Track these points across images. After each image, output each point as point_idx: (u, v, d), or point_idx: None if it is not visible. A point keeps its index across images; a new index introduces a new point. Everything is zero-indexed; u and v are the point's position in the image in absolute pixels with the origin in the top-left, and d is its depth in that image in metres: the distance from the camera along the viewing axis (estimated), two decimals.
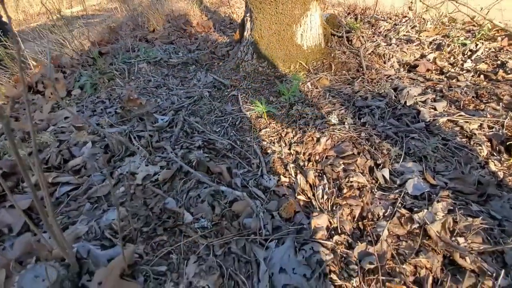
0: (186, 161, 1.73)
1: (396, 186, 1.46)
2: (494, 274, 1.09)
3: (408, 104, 2.00)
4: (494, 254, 1.16)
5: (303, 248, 1.20)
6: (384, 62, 2.72)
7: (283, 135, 1.91)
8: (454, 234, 1.21)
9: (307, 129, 1.88)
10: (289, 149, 1.81)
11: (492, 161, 1.53)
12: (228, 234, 1.33)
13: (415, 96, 2.04)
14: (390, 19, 3.54)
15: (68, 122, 2.25)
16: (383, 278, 1.10)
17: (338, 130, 1.84)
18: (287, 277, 1.12)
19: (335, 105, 2.09)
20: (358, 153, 1.65)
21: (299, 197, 1.49)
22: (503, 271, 1.03)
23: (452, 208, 1.30)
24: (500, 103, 1.87)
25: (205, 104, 2.41)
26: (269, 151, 1.84)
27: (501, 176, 1.46)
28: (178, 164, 1.67)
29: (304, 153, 1.76)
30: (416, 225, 1.24)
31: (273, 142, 1.90)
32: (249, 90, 2.53)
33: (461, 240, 1.19)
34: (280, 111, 2.18)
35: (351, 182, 1.48)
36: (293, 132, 1.91)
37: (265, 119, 2.09)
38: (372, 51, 2.83)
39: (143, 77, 2.86)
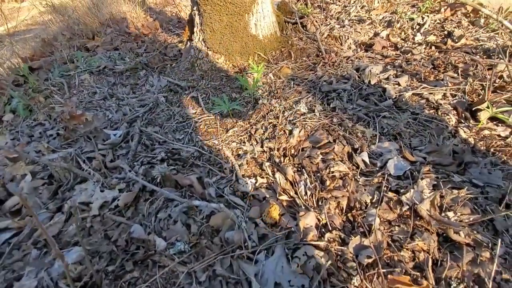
0: (149, 179, 1.52)
1: (377, 168, 1.41)
2: (489, 244, 1.07)
3: (372, 83, 1.97)
4: (484, 223, 1.14)
5: (296, 255, 1.08)
6: (341, 44, 2.70)
7: (252, 132, 1.78)
8: (444, 210, 1.18)
9: (277, 122, 1.76)
10: (262, 146, 1.68)
11: (461, 128, 1.55)
12: (210, 254, 1.17)
13: (377, 74, 2.02)
14: (339, 1, 3.55)
15: (0, 155, 1.89)
16: (384, 271, 1.03)
17: (309, 119, 1.75)
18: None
19: (302, 94, 2.00)
20: (334, 140, 1.57)
21: (281, 197, 1.36)
22: (499, 240, 1.01)
23: (436, 183, 1.27)
24: (458, 71, 1.92)
25: (162, 110, 2.19)
26: (240, 152, 1.69)
27: (473, 143, 1.47)
28: (140, 183, 1.46)
29: (278, 149, 1.64)
30: (405, 207, 1.19)
31: (244, 142, 1.75)
32: (209, 89, 2.34)
33: (450, 214, 1.16)
34: (246, 107, 2.03)
35: (333, 172, 1.40)
36: (263, 128, 1.78)
37: (231, 118, 1.94)
38: (328, 35, 2.79)
39: (87, 89, 2.52)
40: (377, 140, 1.54)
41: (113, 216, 1.34)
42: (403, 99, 1.76)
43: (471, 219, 1.14)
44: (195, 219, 1.31)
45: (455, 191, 1.20)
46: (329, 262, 1.06)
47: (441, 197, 1.20)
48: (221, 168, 1.60)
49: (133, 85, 2.64)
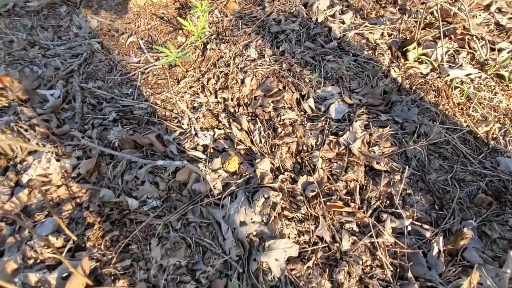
0: (105, 143, 1.51)
1: (321, 113, 1.58)
2: (401, 169, 1.39)
3: (319, 20, 1.98)
4: (400, 153, 1.45)
5: (255, 198, 1.30)
6: None
7: (205, 82, 1.77)
8: (371, 145, 1.44)
9: (229, 71, 1.76)
10: (216, 97, 1.72)
11: (393, 68, 1.74)
12: (181, 205, 1.33)
13: (324, 10, 2.01)
14: None
15: None
16: (324, 199, 1.31)
17: (260, 65, 1.77)
18: (248, 228, 1.23)
19: (251, 36, 1.94)
20: (284, 88, 1.67)
21: (238, 147, 1.51)
22: (407, 167, 1.32)
23: (367, 123, 1.50)
24: (397, 7, 2.00)
25: (100, 60, 1.98)
26: (196, 105, 1.71)
27: (400, 81, 1.69)
28: (97, 149, 1.45)
29: (232, 99, 1.69)
30: (342, 147, 1.43)
31: (197, 93, 1.75)
32: (150, 31, 2.12)
33: (375, 149, 1.44)
34: (194, 53, 1.94)
35: (283, 120, 1.54)
36: (215, 77, 1.77)
37: (180, 67, 1.86)
38: None
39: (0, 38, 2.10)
40: (322, 85, 1.67)
41: (79, 184, 1.38)
42: (346, 40, 1.85)
43: (390, 151, 1.43)
44: (162, 176, 1.41)
45: (381, 130, 1.45)
46: (282, 198, 1.30)
47: (370, 135, 1.45)
48: (179, 123, 1.63)
49: (55, 27, 2.25)
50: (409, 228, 1.26)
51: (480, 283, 1.09)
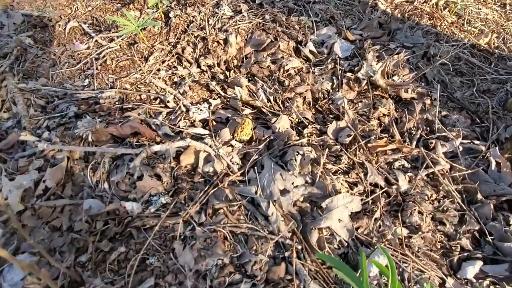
0: (73, 142, 1.14)
1: (326, 56, 1.39)
2: (428, 93, 1.26)
3: None
4: (419, 78, 1.32)
5: (288, 160, 1.06)
6: None
7: (180, 52, 1.47)
8: (390, 76, 1.29)
9: (206, 34, 1.48)
10: (199, 66, 1.43)
11: (379, 1, 1.62)
12: (198, 193, 1.04)
13: None
14: None
15: None
16: (363, 142, 1.12)
17: (240, 21, 1.52)
18: (292, 195, 0.99)
19: None
20: (276, 39, 1.45)
21: (245, 112, 1.25)
22: (438, 85, 1.19)
23: (378, 54, 1.35)
24: None
25: (37, 56, 1.55)
26: (176, 79, 1.41)
27: (391, 12, 1.58)
28: (64, 152, 1.08)
29: (218, 64, 1.42)
30: (363, 83, 1.25)
31: (175, 67, 1.45)
32: (92, 13, 1.74)
33: (396, 78, 1.29)
34: (158, 24, 1.62)
35: (287, 70, 1.32)
36: (191, 45, 1.48)
37: (144, 42, 1.53)
38: None
39: None
40: (315, 28, 1.49)
41: (49, 202, 1.00)
42: None
43: (410, 77, 1.29)
44: (163, 166, 1.09)
45: (395, 57, 1.31)
46: (318, 152, 1.08)
47: (387, 65, 1.30)
48: (163, 103, 1.32)
49: None
50: (460, 148, 1.12)
51: None
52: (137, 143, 1.17)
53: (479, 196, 1.02)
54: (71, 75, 1.47)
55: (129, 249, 0.92)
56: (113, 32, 1.63)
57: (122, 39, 1.58)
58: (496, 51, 1.46)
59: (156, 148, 1.08)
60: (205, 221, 0.98)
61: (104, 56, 1.52)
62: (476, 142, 1.14)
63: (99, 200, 1.02)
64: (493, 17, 1.63)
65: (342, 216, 0.93)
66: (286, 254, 0.92)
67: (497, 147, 1.10)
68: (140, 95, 1.36)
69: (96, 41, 1.59)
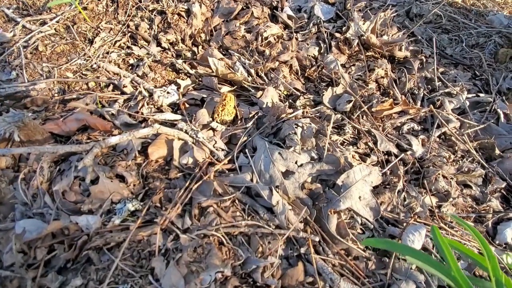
0: None
1: (306, 20, 1.23)
2: (420, 50, 1.15)
3: None
4: (408, 36, 1.21)
5: (285, 136, 0.86)
6: None
7: (134, 30, 1.21)
8: (379, 36, 1.16)
9: (163, 7, 1.24)
10: (159, 44, 1.19)
11: None
12: (178, 193, 0.80)
13: None
14: None
15: None
16: (366, 108, 0.96)
17: None
18: (298, 176, 0.79)
19: None
20: (247, 6, 1.25)
21: (223, 90, 1.03)
22: (434, 39, 1.08)
23: (362, 14, 1.22)
24: None
25: None
26: (132, 61, 1.15)
27: None
28: None
29: (183, 40, 1.19)
30: (354, 44, 1.10)
31: (128, 47, 1.19)
32: None
33: (385, 37, 1.16)
34: (101, 4, 1.34)
35: (267, 38, 1.13)
36: (146, 20, 1.23)
37: (87, 20, 1.24)
38: None
39: None
40: None
41: None
42: None
43: (400, 35, 1.18)
44: (125, 163, 0.84)
45: (382, 14, 1.19)
46: (317, 124, 0.90)
47: (375, 23, 1.17)
48: (117, 89, 1.05)
49: None
50: (467, 103, 1.02)
51: None
52: (86, 141, 0.90)
53: (497, 151, 0.92)
54: (5, 60, 1.14)
55: (89, 280, 0.66)
56: (46, 14, 1.31)
57: (57, 22, 1.28)
58: (473, 8, 1.41)
59: (114, 140, 0.82)
60: (191, 225, 0.75)
61: (34, 42, 1.20)
62: (481, 95, 1.04)
63: (39, 219, 0.74)
64: None
65: (363, 193, 0.75)
66: (302, 250, 0.72)
67: (501, 99, 1.01)
68: (87, 84, 1.08)
69: (23, 26, 1.27)
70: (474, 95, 1.05)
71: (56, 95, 1.04)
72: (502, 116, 0.99)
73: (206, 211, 0.77)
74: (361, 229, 0.76)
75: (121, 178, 0.82)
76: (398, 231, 0.75)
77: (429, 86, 1.08)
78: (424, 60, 1.12)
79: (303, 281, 0.68)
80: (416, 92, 1.04)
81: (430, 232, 0.64)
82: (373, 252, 0.74)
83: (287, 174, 0.80)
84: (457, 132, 0.95)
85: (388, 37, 1.17)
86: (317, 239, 0.74)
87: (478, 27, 1.32)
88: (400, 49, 1.11)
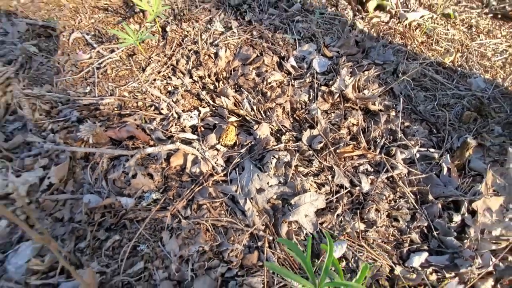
0: (75, 144, 1.27)
1: (305, 70, 1.55)
2: (393, 105, 1.41)
3: None
4: (387, 92, 1.48)
5: (265, 163, 1.20)
6: None
7: (175, 64, 1.62)
8: (361, 90, 1.45)
9: (199, 48, 1.64)
10: (191, 77, 1.58)
11: (357, 20, 1.79)
12: (185, 191, 1.18)
13: None
14: None
15: None
16: (332, 148, 1.27)
17: (230, 37, 1.68)
18: (267, 193, 1.13)
19: (212, 11, 1.84)
20: (261, 54, 1.60)
21: (230, 120, 1.39)
22: (401, 100, 1.35)
23: (351, 70, 1.51)
24: None
25: (42, 64, 1.69)
26: (170, 88, 1.55)
27: (367, 31, 1.75)
28: (67, 152, 1.22)
29: (209, 75, 1.57)
30: (336, 95, 1.41)
31: (169, 77, 1.59)
32: (95, 25, 1.88)
33: (366, 92, 1.45)
34: (155, 37, 1.77)
35: (270, 83, 1.48)
36: (185, 57, 1.63)
37: (142, 53, 1.68)
38: None
39: None
40: (298, 45, 1.65)
41: (52, 196, 1.13)
42: (308, 1, 1.85)
43: (379, 91, 1.45)
44: (154, 166, 1.23)
45: (366, 73, 1.47)
46: (292, 156, 1.23)
47: (358, 80, 1.46)
48: (157, 110, 1.46)
49: None
50: (417, 155, 1.28)
51: (492, 184, 1.15)
52: (132, 146, 1.32)
53: (430, 197, 1.17)
54: (74, 83, 1.61)
55: (123, 238, 1.06)
56: (114, 44, 1.77)
57: (122, 50, 1.73)
58: (459, 69, 1.62)
59: (149, 150, 1.22)
60: (190, 215, 1.12)
61: (105, 66, 1.66)
62: (432, 150, 1.29)
63: (97, 195, 1.16)
64: (460, 38, 1.80)
65: (308, 212, 1.07)
66: (259, 244, 1.06)
67: (448, 155, 1.25)
68: (136, 102, 1.50)
69: (98, 51, 1.74)
70: (426, 149, 1.30)
71: (115, 109, 1.48)
72: (445, 169, 1.24)
73: (202, 207, 1.14)
74: (304, 237, 1.08)
75: (150, 176, 1.22)
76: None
77: (392, 137, 1.34)
78: (394, 115, 1.39)
79: (256, 264, 1.02)
80: (378, 141, 1.31)
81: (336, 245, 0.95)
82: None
83: (260, 190, 1.14)
84: (402, 177, 1.22)
85: (369, 91, 1.45)
86: (271, 238, 1.07)
87: (455, 88, 1.53)
88: (373, 104, 1.39)
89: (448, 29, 1.83)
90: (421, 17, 1.83)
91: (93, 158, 1.25)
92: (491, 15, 1.99)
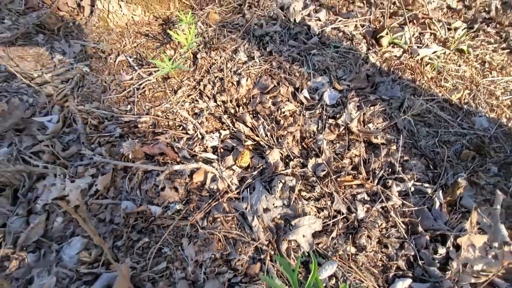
0: (117, 157, 1.54)
1: (316, 101, 1.72)
2: (395, 140, 1.55)
3: (297, 21, 2.14)
4: (391, 126, 1.62)
5: (273, 186, 1.39)
6: None
7: (202, 89, 1.85)
8: (366, 123, 1.60)
9: (223, 75, 1.86)
10: (215, 101, 1.80)
11: (370, 54, 1.93)
12: (204, 205, 1.39)
13: (300, 11, 2.18)
14: None
15: None
16: (334, 177, 1.43)
17: (252, 66, 1.89)
18: (272, 213, 1.32)
19: (237, 41, 2.06)
20: (278, 84, 1.79)
21: (246, 143, 1.60)
22: (401, 136, 1.48)
23: (359, 104, 1.66)
24: (363, 0, 2.22)
25: (92, 83, 2.00)
26: (197, 111, 1.79)
27: (379, 65, 1.88)
28: (111, 164, 1.48)
29: (231, 101, 1.79)
30: (341, 128, 1.56)
31: (196, 100, 1.83)
32: (137, 49, 2.17)
33: (370, 125, 1.59)
34: (186, 64, 2.02)
35: (284, 112, 1.66)
36: (211, 83, 1.86)
37: (175, 78, 1.93)
38: None
39: None
40: (312, 77, 1.82)
41: (98, 200, 1.39)
42: (325, 35, 2.02)
43: (383, 125, 1.59)
44: (179, 181, 1.46)
45: (372, 108, 1.61)
46: (299, 182, 1.40)
47: (364, 114, 1.60)
48: (184, 130, 1.70)
49: (35, 56, 2.23)
50: (412, 189, 1.41)
51: (478, 222, 1.26)
52: (162, 161, 1.56)
53: (420, 228, 1.30)
54: (117, 101, 1.89)
55: (151, 240, 1.29)
56: (152, 67, 2.05)
57: (160, 74, 1.99)
58: (465, 106, 1.71)
59: (177, 167, 1.45)
60: (206, 225, 1.33)
61: (143, 87, 1.94)
62: (426, 185, 1.41)
63: (132, 202, 1.40)
64: (471, 74, 1.88)
65: (306, 233, 1.24)
66: (262, 256, 1.25)
67: (441, 191, 1.37)
68: (168, 122, 1.75)
69: (139, 73, 2.02)
70: (421, 184, 1.42)
71: (150, 127, 1.73)
72: (437, 204, 1.35)
73: (216, 220, 1.35)
74: (301, 255, 1.25)
75: (176, 189, 1.45)
76: (323, 261, 1.22)
77: (390, 169, 1.48)
78: (394, 148, 1.52)
79: (258, 274, 1.21)
80: (377, 172, 1.45)
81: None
82: (304, 269, 1.23)
83: (266, 210, 1.33)
84: (396, 208, 1.36)
85: (373, 125, 1.59)
86: (272, 253, 1.25)
87: (458, 126, 1.63)
88: (376, 137, 1.53)
89: (459, 65, 1.91)
90: (433, 53, 1.93)
91: (130, 170, 1.50)
92: (508, 50, 2.04)
